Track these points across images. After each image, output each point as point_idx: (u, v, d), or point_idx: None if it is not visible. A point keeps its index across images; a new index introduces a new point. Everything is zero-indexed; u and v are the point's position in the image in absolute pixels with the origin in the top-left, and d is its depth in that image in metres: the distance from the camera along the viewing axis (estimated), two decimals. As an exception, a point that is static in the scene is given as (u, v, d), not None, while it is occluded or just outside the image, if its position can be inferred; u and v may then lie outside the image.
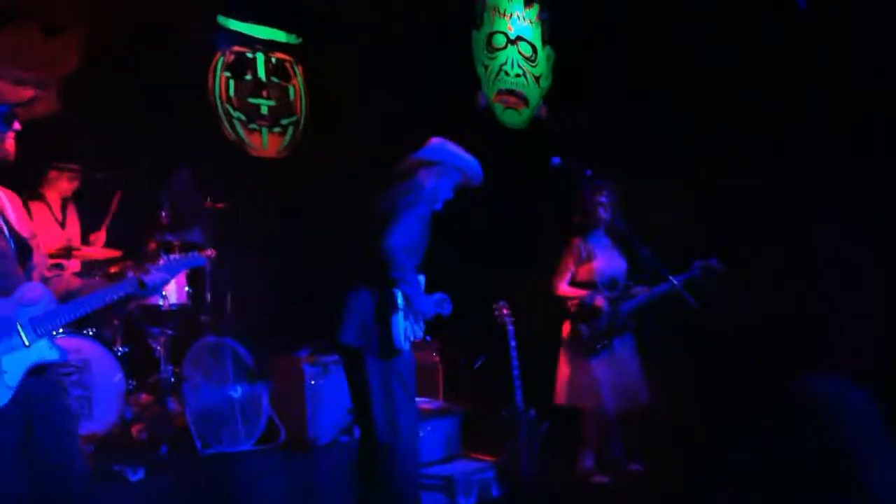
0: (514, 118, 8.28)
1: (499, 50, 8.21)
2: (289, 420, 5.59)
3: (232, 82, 7.03)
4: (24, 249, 3.18)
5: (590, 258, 5.76)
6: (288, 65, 7.36)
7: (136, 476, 4.75)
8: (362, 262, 4.29)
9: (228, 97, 6.99)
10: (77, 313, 3.16)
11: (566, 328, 5.79)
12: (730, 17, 6.76)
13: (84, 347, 5.23)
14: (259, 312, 6.44)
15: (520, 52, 8.34)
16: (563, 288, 5.78)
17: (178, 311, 5.72)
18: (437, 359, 6.29)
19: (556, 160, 5.16)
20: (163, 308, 5.59)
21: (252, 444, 5.47)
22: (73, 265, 5.68)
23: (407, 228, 4.18)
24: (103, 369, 5.25)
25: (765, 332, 6.17)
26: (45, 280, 3.24)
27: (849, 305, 6.30)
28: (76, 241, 6.05)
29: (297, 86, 7.38)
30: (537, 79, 8.45)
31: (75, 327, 5.21)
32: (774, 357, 5.80)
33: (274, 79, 7.27)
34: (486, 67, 8.12)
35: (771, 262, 6.37)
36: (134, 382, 5.56)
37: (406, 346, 4.24)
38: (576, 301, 5.74)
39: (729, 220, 6.60)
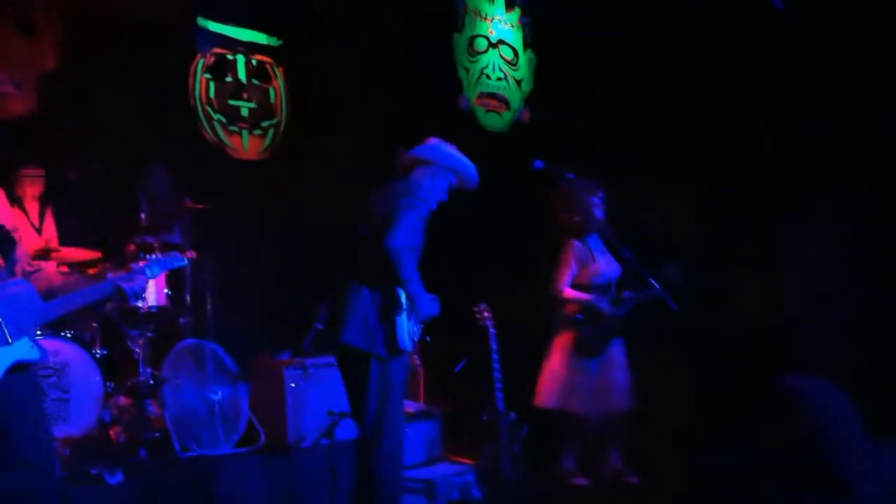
0: (495, 121, 8.29)
1: (480, 53, 8.22)
2: (269, 423, 5.57)
3: (212, 84, 7.00)
4: (6, 241, 3.15)
5: (590, 260, 5.71)
6: (268, 67, 7.33)
7: (115, 479, 4.72)
8: (363, 262, 4.28)
9: (209, 99, 6.96)
10: (60, 311, 3.15)
11: (566, 334, 5.72)
12: (728, 16, 6.78)
13: (62, 350, 5.18)
14: (239, 315, 6.41)
15: (501, 56, 8.36)
16: (568, 291, 5.69)
17: (157, 313, 5.69)
18: (418, 361, 6.28)
19: (539, 163, 5.16)
20: (142, 310, 5.55)
21: (232, 447, 5.45)
22: (52, 267, 5.63)
23: (409, 228, 4.19)
24: (82, 371, 5.21)
25: (755, 333, 6.21)
26: (26, 275, 3.21)
27: (823, 308, 6.35)
28: (54, 244, 5.99)
29: (277, 88, 7.35)
30: (519, 82, 8.46)
31: (54, 329, 5.16)
32: (764, 358, 5.85)
33: (254, 81, 7.24)
34: (467, 71, 8.13)
35: (762, 264, 6.41)
36: (112, 385, 5.51)
37: (409, 347, 4.26)
38: (577, 305, 5.69)
39: (718, 220, 6.62)
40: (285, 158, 7.20)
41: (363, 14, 6.95)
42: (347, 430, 5.35)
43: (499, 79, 8.34)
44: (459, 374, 6.23)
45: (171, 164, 6.21)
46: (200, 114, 6.90)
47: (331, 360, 5.63)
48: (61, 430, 4.95)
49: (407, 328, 4.23)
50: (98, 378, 5.26)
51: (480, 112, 8.19)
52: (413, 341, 4.32)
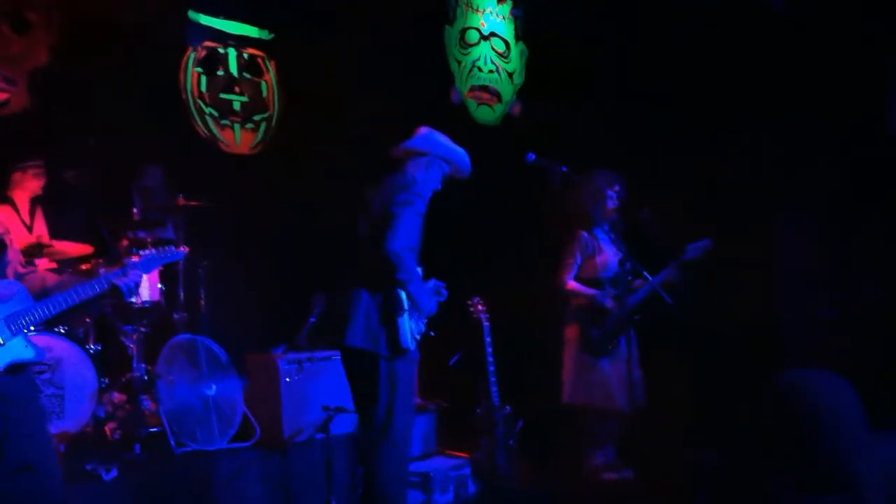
0: (487, 114, 8.28)
1: (472, 46, 8.20)
2: (264, 418, 5.56)
3: (204, 78, 6.97)
4: None
5: (596, 252, 5.61)
6: (260, 60, 7.31)
7: (110, 475, 4.72)
8: (362, 262, 4.27)
9: (200, 93, 6.94)
10: (53, 311, 3.13)
11: (572, 330, 5.63)
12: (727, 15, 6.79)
13: (56, 346, 5.17)
14: (233, 310, 6.41)
15: (493, 48, 8.34)
16: (571, 284, 5.58)
17: (151, 309, 5.69)
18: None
19: (532, 156, 5.15)
20: (136, 306, 5.55)
21: (227, 443, 5.44)
22: (44, 265, 5.61)
23: (407, 228, 4.17)
24: (76, 368, 5.20)
25: (749, 332, 6.22)
26: (19, 276, 3.20)
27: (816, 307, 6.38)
28: (45, 240, 5.97)
29: (269, 81, 7.33)
30: (510, 75, 8.45)
31: (47, 325, 5.15)
32: (758, 356, 5.86)
33: (246, 74, 7.22)
34: (459, 63, 8.11)
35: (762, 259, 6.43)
36: (107, 381, 5.52)
37: (413, 346, 4.25)
38: (581, 300, 5.59)
39: (717, 216, 6.61)
40: (278, 153, 7.18)
41: (354, 6, 6.92)
42: (343, 425, 5.37)
43: (490, 71, 8.32)
44: (454, 367, 6.23)
45: (164, 158, 6.19)
46: (192, 108, 6.87)
47: (326, 354, 5.66)
48: (56, 427, 4.94)
49: (409, 327, 4.21)
50: (92, 374, 5.25)
51: (472, 105, 8.17)
52: (416, 340, 4.30)
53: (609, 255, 5.62)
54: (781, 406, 1.92)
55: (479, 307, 5.86)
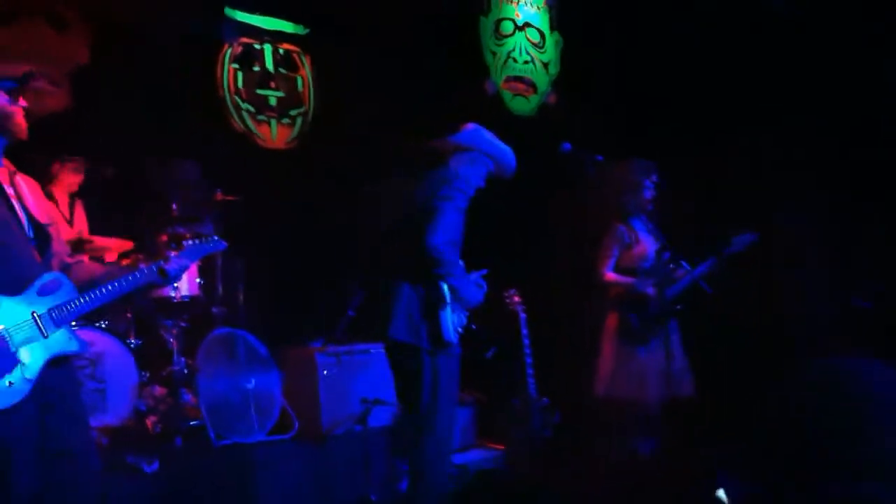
0: (522, 105, 8.25)
1: (507, 37, 8.18)
2: (302, 410, 5.60)
3: (240, 74, 7.02)
4: (42, 238, 3.17)
5: (634, 243, 5.50)
6: (295, 55, 7.34)
7: (151, 468, 4.79)
8: (406, 257, 4.24)
9: (237, 89, 6.99)
10: (97, 302, 3.14)
11: (612, 319, 5.51)
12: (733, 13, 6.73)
13: (98, 340, 5.24)
14: (271, 303, 6.45)
15: (528, 39, 8.31)
16: (610, 275, 5.47)
17: (190, 303, 5.73)
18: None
19: (567, 146, 5.10)
20: (175, 300, 5.60)
21: (266, 435, 5.48)
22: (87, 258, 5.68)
23: (449, 222, 4.15)
24: (117, 362, 5.27)
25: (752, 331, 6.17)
26: (65, 268, 3.23)
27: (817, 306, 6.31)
28: (86, 235, 6.05)
29: (304, 76, 7.36)
30: (546, 65, 8.41)
31: (88, 320, 5.22)
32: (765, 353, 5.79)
33: (282, 70, 7.26)
34: (494, 54, 8.09)
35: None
36: (147, 375, 5.58)
37: (455, 339, 4.24)
38: (620, 289, 5.48)
39: (717, 216, 6.54)
40: (314, 147, 7.20)
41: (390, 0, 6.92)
42: (381, 418, 5.40)
43: (526, 62, 8.29)
44: (491, 359, 6.22)
45: (201, 154, 6.24)
46: (229, 103, 6.92)
47: (363, 347, 5.68)
48: (98, 420, 5.01)
49: (451, 320, 4.17)
50: (133, 368, 5.32)
51: (508, 96, 8.15)
52: (459, 333, 4.28)
53: (647, 246, 5.52)
54: (824, 395, 1.88)
55: (515, 298, 5.84)
